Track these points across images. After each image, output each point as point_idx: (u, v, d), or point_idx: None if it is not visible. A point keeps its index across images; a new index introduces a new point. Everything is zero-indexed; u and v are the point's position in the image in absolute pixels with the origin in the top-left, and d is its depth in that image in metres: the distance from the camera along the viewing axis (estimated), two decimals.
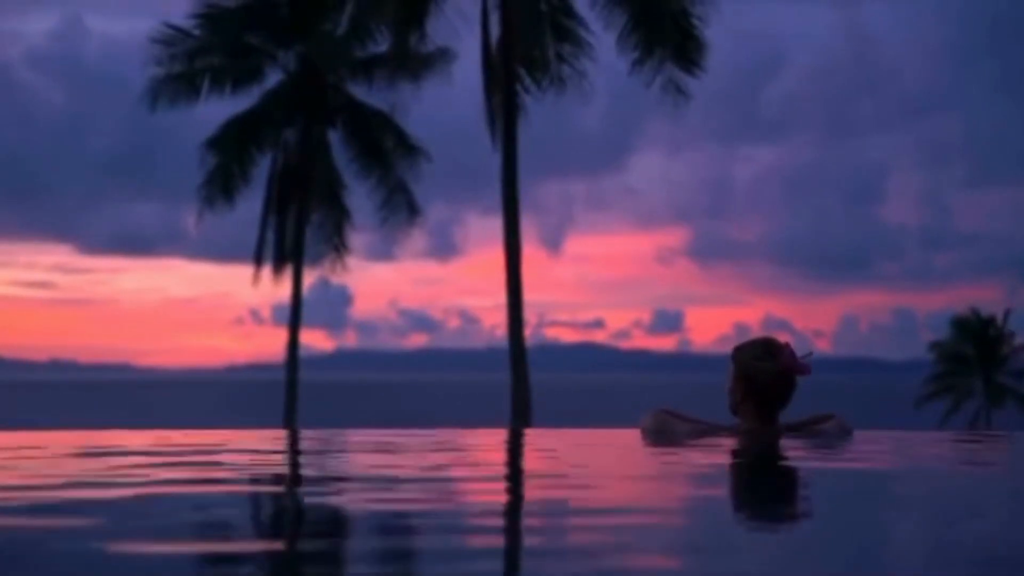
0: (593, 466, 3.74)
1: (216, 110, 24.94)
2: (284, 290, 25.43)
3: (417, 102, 24.93)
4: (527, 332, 19.91)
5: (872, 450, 4.36)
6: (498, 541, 2.30)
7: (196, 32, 24.69)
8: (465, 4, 20.45)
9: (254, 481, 3.32)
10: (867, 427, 5.08)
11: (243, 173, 24.88)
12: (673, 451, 4.25)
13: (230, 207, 24.83)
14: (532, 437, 5.46)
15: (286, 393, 24.98)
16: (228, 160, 24.65)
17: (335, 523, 2.59)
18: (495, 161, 19.84)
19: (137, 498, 2.80)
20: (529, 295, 20.65)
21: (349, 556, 2.19)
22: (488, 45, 20.13)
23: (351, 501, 2.95)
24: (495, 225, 20.10)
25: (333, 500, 2.95)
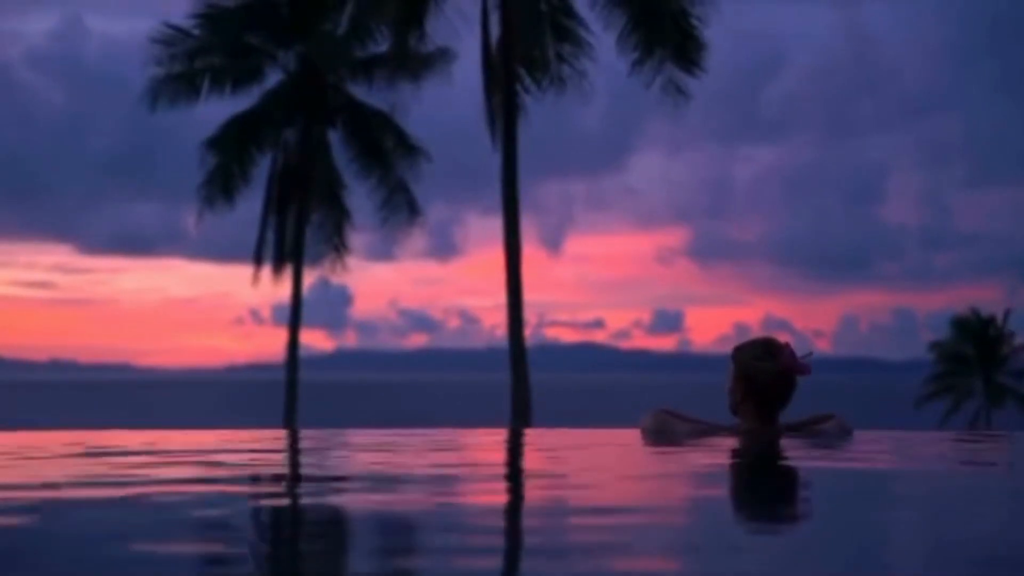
0: (593, 466, 3.74)
1: (216, 110, 24.97)
2: (284, 290, 25.45)
3: (417, 102, 24.96)
4: (527, 332, 19.92)
5: (872, 450, 4.36)
6: (498, 541, 2.30)
7: (196, 32, 24.68)
8: (465, 4, 20.47)
9: (253, 481, 3.32)
10: (867, 427, 5.08)
11: (243, 173, 24.87)
12: (673, 451, 4.25)
13: (230, 207, 24.85)
14: (532, 437, 5.46)
15: (286, 393, 24.98)
16: (228, 160, 24.65)
17: (335, 523, 2.59)
18: (495, 161, 19.85)
19: (137, 498, 2.80)
20: (529, 295, 20.68)
21: (348, 556, 2.19)
22: (488, 45, 20.13)
23: (351, 501, 2.95)
24: (495, 225, 20.12)
25: (333, 500, 2.95)
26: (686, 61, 19.88)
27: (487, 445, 4.94)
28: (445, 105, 32.27)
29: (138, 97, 24.38)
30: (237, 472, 3.53)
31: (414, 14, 20.56)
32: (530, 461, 4.24)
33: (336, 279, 26.60)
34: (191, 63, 24.47)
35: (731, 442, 4.41)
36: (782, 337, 4.72)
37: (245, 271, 25.81)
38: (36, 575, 1.93)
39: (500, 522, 2.57)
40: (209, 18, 24.70)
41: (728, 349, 4.69)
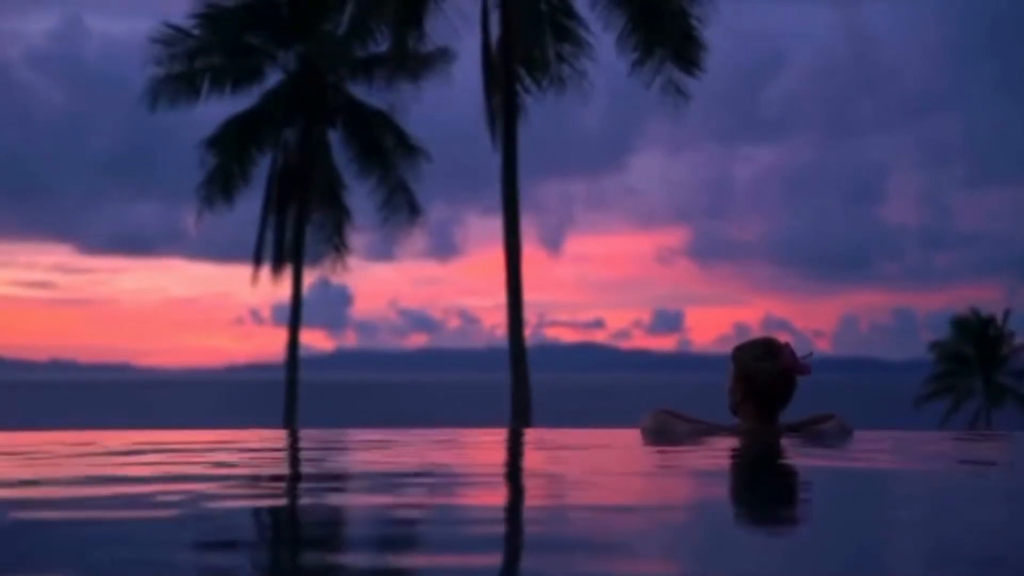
0: (593, 466, 3.73)
1: (216, 110, 24.97)
2: (284, 290, 25.45)
3: (417, 102, 24.95)
4: (527, 332, 19.93)
5: (872, 450, 4.36)
6: (498, 541, 2.30)
7: (196, 32, 24.68)
8: (465, 4, 20.47)
9: (253, 481, 3.31)
10: (867, 427, 5.08)
11: (243, 173, 24.87)
12: (673, 451, 4.25)
13: (229, 207, 24.84)
14: (532, 437, 5.46)
15: (286, 393, 24.98)
16: (228, 160, 24.65)
17: (334, 523, 2.59)
18: (495, 161, 19.85)
19: (136, 498, 2.80)
20: (529, 295, 20.68)
21: (348, 556, 2.19)
22: (488, 45, 20.13)
23: (351, 501, 2.95)
24: (495, 225, 20.11)
25: (332, 500, 2.95)
26: (686, 61, 19.88)
27: (487, 445, 4.94)
28: (445, 105, 32.31)
29: (138, 97, 24.41)
30: (236, 472, 3.53)
31: (414, 14, 20.56)
32: (530, 461, 4.24)
33: (336, 279, 26.63)
34: (191, 63, 24.47)
35: (731, 442, 4.41)
36: (782, 337, 4.72)
37: (245, 271, 25.84)
38: (34, 573, 1.93)
39: (500, 522, 2.57)
40: (209, 18, 24.70)
41: (728, 349, 4.69)
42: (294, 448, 4.58)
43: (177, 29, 24.52)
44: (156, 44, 24.31)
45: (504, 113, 19.65)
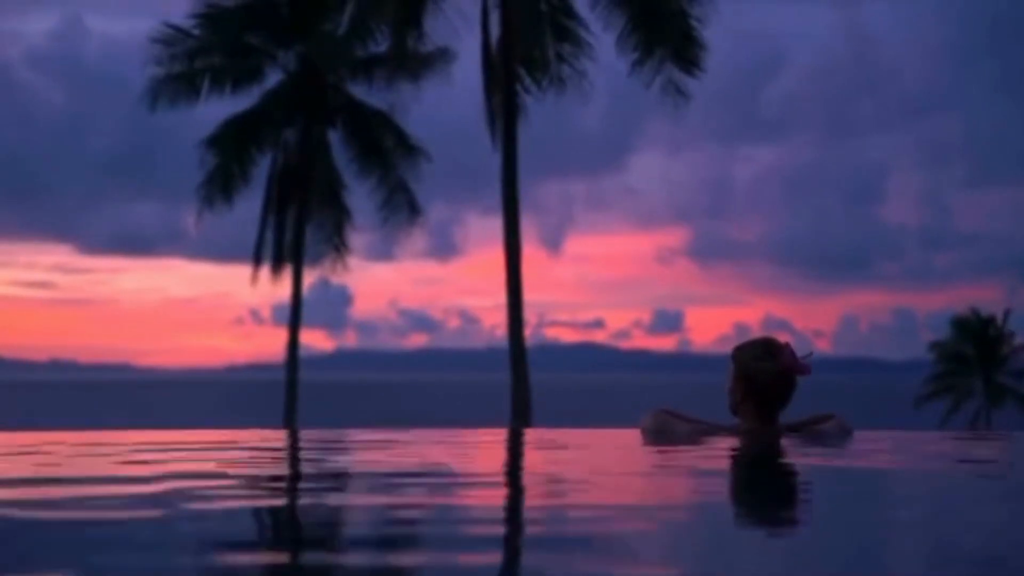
0: (593, 466, 3.74)
1: (216, 110, 24.97)
2: (284, 290, 25.45)
3: (417, 102, 24.95)
4: (527, 332, 19.92)
5: (872, 450, 4.36)
6: (497, 541, 2.30)
7: (196, 32, 24.67)
8: (465, 4, 20.46)
9: (253, 480, 3.31)
10: (867, 427, 5.08)
11: (243, 173, 24.87)
12: (673, 451, 4.25)
13: (229, 207, 24.84)
14: (532, 437, 5.46)
15: (286, 393, 24.97)
16: (228, 160, 24.65)
17: (334, 523, 2.59)
18: (495, 161, 19.85)
19: (136, 497, 2.80)
20: (529, 295, 20.68)
21: (347, 556, 2.19)
22: (488, 45, 20.12)
23: (350, 501, 2.95)
24: (495, 225, 20.11)
25: (332, 500, 2.95)
26: (685, 61, 19.88)
27: (487, 445, 4.94)
28: (445, 105, 32.33)
29: (138, 97, 24.40)
30: (236, 472, 3.53)
31: (414, 14, 20.55)
32: (530, 461, 4.24)
33: (336, 279, 26.62)
34: (191, 63, 24.47)
35: (731, 442, 4.41)
36: (782, 337, 4.72)
37: (245, 271, 25.83)
38: (32, 571, 1.93)
39: (500, 522, 2.57)
40: (209, 18, 24.70)
41: (728, 349, 4.69)
42: (294, 448, 4.58)
43: (177, 29, 24.52)
44: (156, 44, 24.33)
45: (504, 113, 19.65)
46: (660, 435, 4.58)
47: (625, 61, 20.09)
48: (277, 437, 5.17)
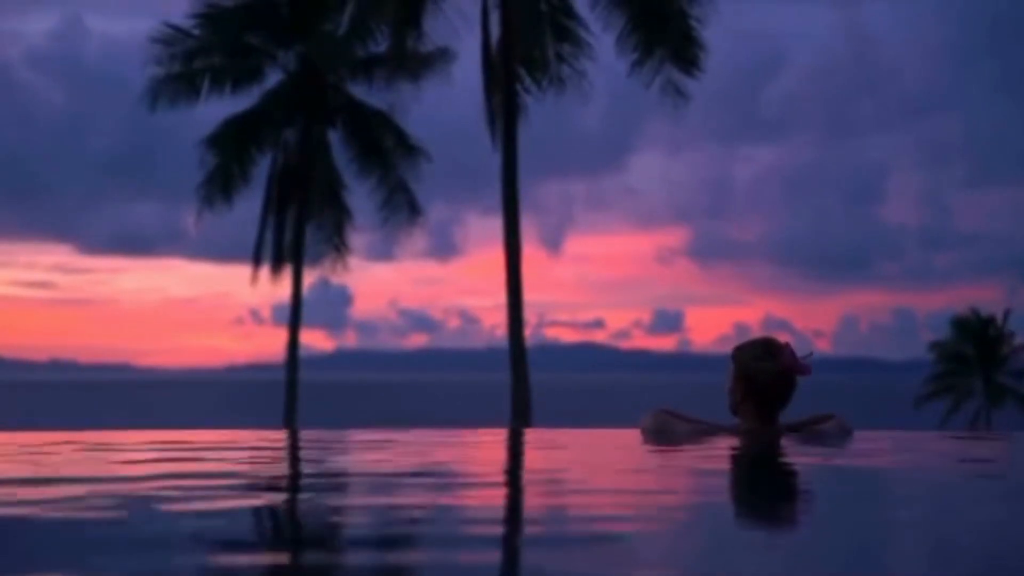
0: (593, 466, 3.74)
1: (216, 110, 24.97)
2: (284, 290, 25.45)
3: (417, 102, 24.95)
4: (527, 332, 19.93)
5: (872, 450, 4.36)
6: (497, 541, 2.30)
7: (196, 32, 24.68)
8: (465, 4, 20.47)
9: (253, 481, 3.31)
10: (867, 427, 5.08)
11: (243, 173, 24.87)
12: (673, 451, 4.25)
13: (229, 207, 24.84)
14: (532, 437, 5.46)
15: (286, 393, 24.97)
16: (228, 160, 24.65)
17: (334, 523, 2.59)
18: (495, 161, 19.85)
19: (135, 498, 2.80)
20: (529, 295, 20.68)
21: (347, 557, 2.19)
22: (488, 45, 20.12)
23: (350, 501, 2.95)
24: (495, 225, 20.11)
25: (332, 500, 2.95)
26: (685, 62, 19.88)
27: (487, 445, 4.94)
28: (445, 105, 32.32)
29: (138, 97, 24.41)
30: (236, 472, 3.53)
31: (413, 14, 20.55)
32: (530, 461, 4.24)
33: (336, 279, 26.62)
34: (191, 63, 24.47)
35: (731, 442, 4.41)
36: (782, 337, 4.72)
37: (245, 271, 25.83)
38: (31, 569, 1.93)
39: (500, 522, 2.57)
40: (209, 18, 24.70)
41: (728, 349, 4.69)
42: (294, 448, 4.58)
43: (177, 29, 24.53)
44: (156, 44, 24.33)
45: (504, 113, 19.65)
46: (660, 435, 4.58)
47: (625, 61, 20.12)
48: (277, 437, 5.17)
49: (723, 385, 4.66)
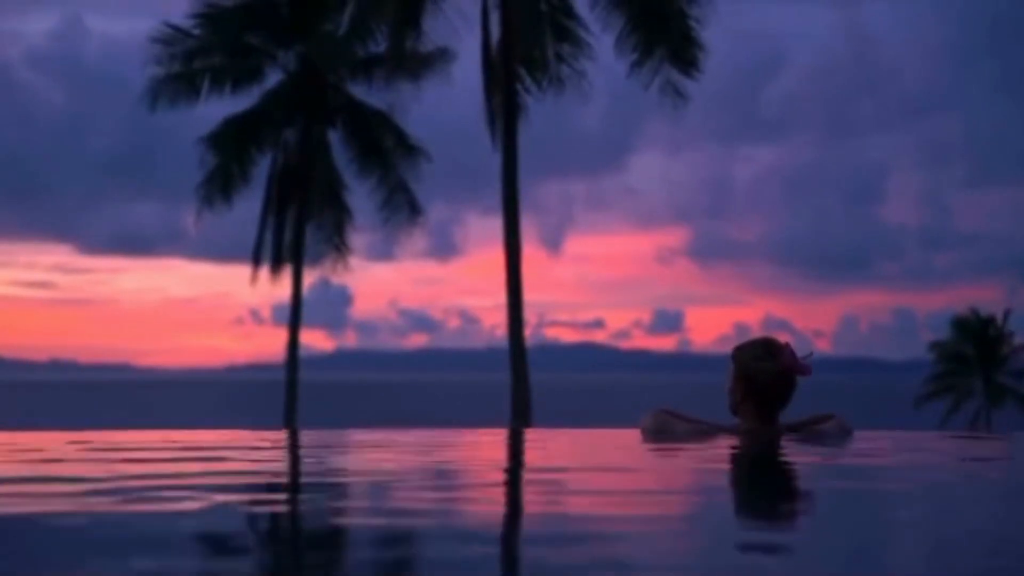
0: (593, 465, 3.74)
1: (216, 110, 24.97)
2: (284, 290, 25.45)
3: (417, 102, 24.95)
4: (527, 332, 19.92)
5: (872, 450, 4.36)
6: (497, 541, 2.30)
7: (196, 32, 24.67)
8: (465, 4, 20.46)
9: (253, 481, 3.31)
10: (867, 427, 5.08)
11: (243, 173, 24.87)
12: (673, 451, 4.25)
13: (229, 207, 24.84)
14: (532, 437, 5.46)
15: (286, 393, 24.97)
16: (228, 160, 24.65)
17: (334, 523, 2.59)
18: (495, 161, 19.85)
19: (136, 498, 2.80)
20: (529, 295, 20.67)
21: (346, 557, 2.19)
22: (488, 45, 20.12)
23: (350, 501, 2.95)
24: (495, 225, 20.11)
25: (331, 500, 2.95)
26: (684, 63, 19.87)
27: (487, 445, 4.94)
28: (445, 105, 32.35)
29: (138, 97, 24.41)
30: (236, 472, 3.53)
31: (413, 14, 20.55)
32: (530, 461, 4.24)
33: (336, 279, 26.62)
34: (191, 63, 24.47)
35: (731, 442, 4.41)
36: (782, 337, 4.72)
37: (245, 271, 25.83)
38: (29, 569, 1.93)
39: (499, 522, 2.57)
40: (209, 18, 24.70)
41: (728, 349, 4.69)
42: (294, 448, 4.58)
43: (177, 29, 24.52)
44: (156, 44, 24.33)
45: (504, 113, 19.65)
46: (660, 435, 4.58)
47: (624, 62, 20.12)
48: (277, 437, 5.16)
49: (723, 385, 4.66)
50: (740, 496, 3.16)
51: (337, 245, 25.61)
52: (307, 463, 3.98)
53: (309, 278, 26.01)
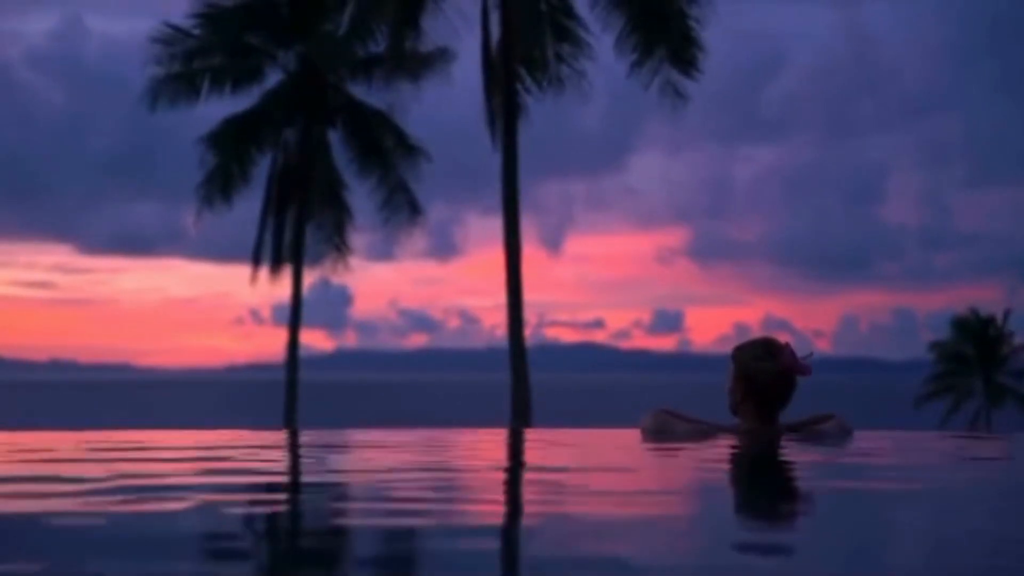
0: (593, 466, 3.74)
1: (216, 110, 24.98)
2: (284, 290, 25.45)
3: (417, 102, 24.95)
4: (527, 332, 19.93)
5: (872, 450, 4.36)
6: (496, 541, 2.30)
7: (196, 32, 24.68)
8: (465, 4, 20.47)
9: (252, 481, 3.31)
10: (867, 427, 5.08)
11: (243, 173, 24.87)
12: (673, 451, 4.25)
13: (229, 207, 24.84)
14: (532, 437, 5.46)
15: (286, 393, 24.98)
16: (228, 160, 24.65)
17: (334, 523, 2.59)
18: (495, 161, 19.85)
19: (136, 498, 2.80)
20: (529, 295, 20.68)
21: (347, 556, 2.19)
22: (488, 45, 20.12)
23: (350, 501, 2.95)
24: (495, 225, 20.12)
25: (331, 500, 2.95)
26: (684, 63, 19.87)
27: (487, 445, 4.94)
28: (445, 105, 32.34)
29: (138, 97, 24.41)
30: (236, 472, 3.53)
31: (413, 14, 20.55)
32: (530, 461, 4.24)
33: (336, 279, 26.62)
34: (191, 63, 24.47)
35: (731, 442, 4.41)
36: (782, 337, 4.72)
37: (245, 271, 25.84)
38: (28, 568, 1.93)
39: (499, 522, 2.57)
40: (209, 18, 24.70)
41: (728, 349, 4.69)
42: (294, 448, 4.58)
43: (177, 29, 24.53)
44: (156, 44, 24.34)
45: (504, 113, 19.65)
46: (660, 435, 4.58)
47: (624, 62, 20.12)
48: (277, 437, 5.16)
49: (723, 385, 4.66)
50: (740, 496, 3.16)
51: (337, 245, 25.63)
52: (307, 463, 3.98)
53: (309, 278, 26.05)
